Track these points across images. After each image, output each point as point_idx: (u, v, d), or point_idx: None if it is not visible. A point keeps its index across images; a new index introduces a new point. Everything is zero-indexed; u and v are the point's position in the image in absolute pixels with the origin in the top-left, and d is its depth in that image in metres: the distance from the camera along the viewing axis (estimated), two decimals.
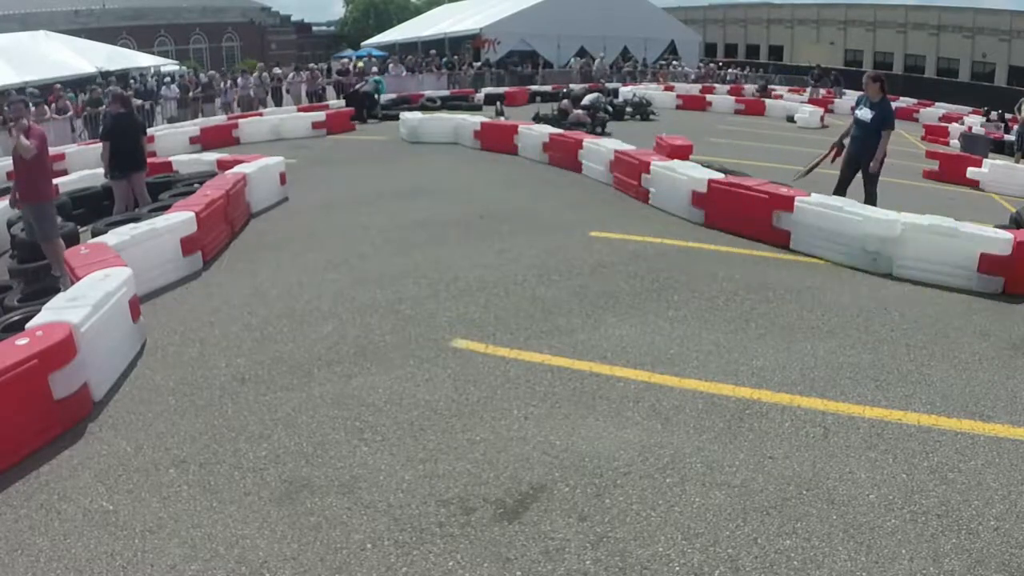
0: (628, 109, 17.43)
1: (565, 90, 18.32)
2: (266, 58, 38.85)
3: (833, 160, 7.47)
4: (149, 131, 13.69)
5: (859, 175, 7.14)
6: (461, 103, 19.02)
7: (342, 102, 17.80)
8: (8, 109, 6.09)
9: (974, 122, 19.63)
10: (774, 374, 4.06)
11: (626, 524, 2.79)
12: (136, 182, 7.66)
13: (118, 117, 7.74)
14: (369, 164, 11.28)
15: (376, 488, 3.04)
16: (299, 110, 17.30)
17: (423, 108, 17.40)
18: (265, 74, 20.83)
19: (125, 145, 7.51)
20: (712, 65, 34.80)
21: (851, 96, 19.62)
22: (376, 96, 17.25)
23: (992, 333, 4.68)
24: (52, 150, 8.27)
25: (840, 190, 7.18)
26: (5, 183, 8.46)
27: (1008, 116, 19.03)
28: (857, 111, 7.23)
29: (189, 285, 5.75)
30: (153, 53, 31.94)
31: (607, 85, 21.97)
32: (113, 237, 5.43)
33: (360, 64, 23.58)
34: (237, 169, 8.30)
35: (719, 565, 2.57)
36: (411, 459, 3.25)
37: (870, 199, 6.92)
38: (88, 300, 3.93)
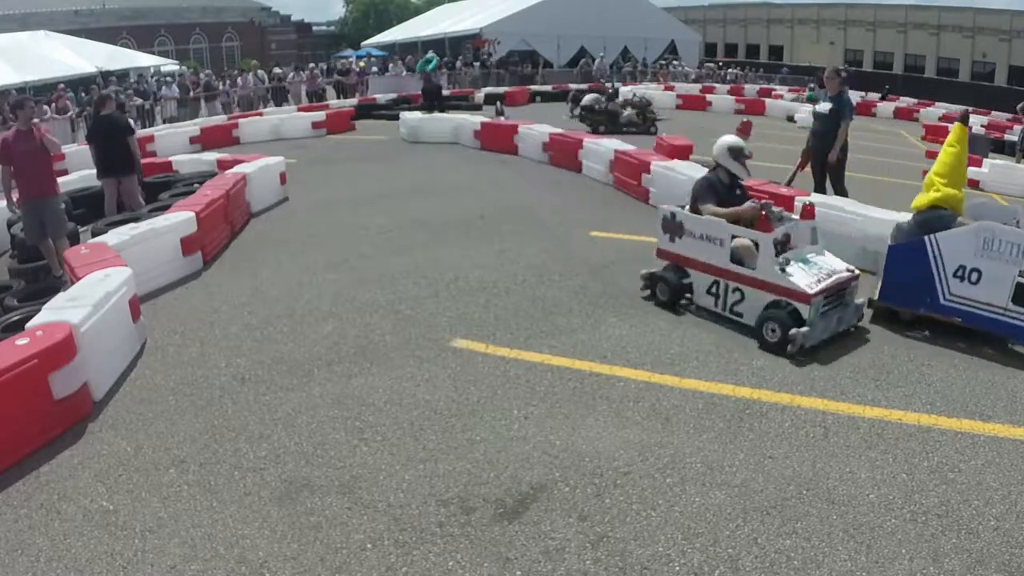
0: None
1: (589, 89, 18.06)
2: (266, 58, 38.93)
3: (805, 167, 7.43)
4: (149, 131, 13.73)
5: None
6: (461, 103, 19.02)
7: (342, 102, 17.76)
8: (23, 110, 6.09)
9: (974, 122, 19.61)
10: (774, 374, 4.06)
11: (626, 524, 2.79)
12: (127, 185, 7.50)
13: (99, 119, 7.65)
14: (369, 164, 11.27)
15: (376, 488, 3.04)
16: (299, 110, 17.31)
17: (423, 108, 17.39)
18: (261, 71, 20.82)
19: (109, 147, 7.41)
20: (711, 65, 34.77)
21: (852, 95, 19.52)
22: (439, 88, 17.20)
23: None
24: None
25: (819, 188, 7.15)
26: None
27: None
28: (817, 106, 7.24)
29: (189, 285, 5.75)
30: (153, 53, 32.06)
31: (607, 84, 21.96)
32: (113, 237, 5.43)
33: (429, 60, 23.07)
34: (237, 169, 8.31)
35: (719, 565, 2.57)
36: (411, 459, 3.25)
37: (842, 196, 6.83)
38: (88, 300, 3.93)
